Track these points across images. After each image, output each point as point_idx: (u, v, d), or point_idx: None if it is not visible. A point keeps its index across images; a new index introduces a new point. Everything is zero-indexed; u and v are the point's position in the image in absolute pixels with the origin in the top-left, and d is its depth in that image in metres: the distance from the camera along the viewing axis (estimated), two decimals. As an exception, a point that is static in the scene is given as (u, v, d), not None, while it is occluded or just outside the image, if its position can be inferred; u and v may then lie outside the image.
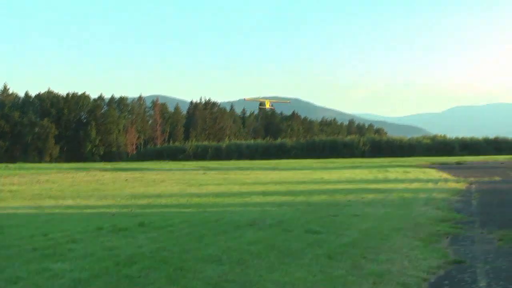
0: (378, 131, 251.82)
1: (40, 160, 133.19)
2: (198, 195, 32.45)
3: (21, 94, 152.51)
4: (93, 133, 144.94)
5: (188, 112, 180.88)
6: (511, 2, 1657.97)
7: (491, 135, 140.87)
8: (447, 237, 16.50)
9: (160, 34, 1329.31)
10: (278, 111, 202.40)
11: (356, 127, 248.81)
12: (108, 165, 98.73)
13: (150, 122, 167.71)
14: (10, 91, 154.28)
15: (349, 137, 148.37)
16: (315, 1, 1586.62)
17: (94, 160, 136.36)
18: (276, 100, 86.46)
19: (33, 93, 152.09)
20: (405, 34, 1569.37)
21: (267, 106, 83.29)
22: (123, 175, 59.34)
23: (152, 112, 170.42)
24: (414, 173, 54.44)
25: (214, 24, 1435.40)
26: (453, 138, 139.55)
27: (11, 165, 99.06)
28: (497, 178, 44.19)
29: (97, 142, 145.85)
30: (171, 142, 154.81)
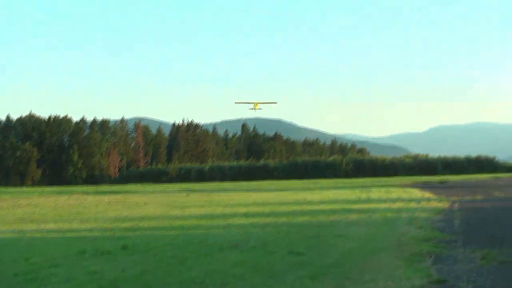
0: (361, 151, 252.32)
1: (22, 184, 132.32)
2: (181, 217, 32.35)
3: (3, 118, 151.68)
4: (75, 156, 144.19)
5: (170, 134, 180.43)
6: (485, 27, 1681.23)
7: (473, 154, 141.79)
8: (430, 256, 16.56)
9: (141, 56, 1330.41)
10: (260, 131, 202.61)
11: (338, 147, 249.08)
12: (91, 188, 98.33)
13: (132, 144, 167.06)
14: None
15: (332, 158, 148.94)
16: (293, 23, 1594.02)
17: (77, 183, 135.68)
18: (263, 101, 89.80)
19: (14, 117, 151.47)
20: (386, 55, 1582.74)
21: (256, 107, 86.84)
22: (106, 198, 59.09)
23: (134, 134, 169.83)
24: (397, 192, 54.61)
25: (194, 46, 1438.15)
26: (436, 157, 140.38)
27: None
28: (479, 197, 44.44)
29: (79, 165, 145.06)
30: (154, 164, 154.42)
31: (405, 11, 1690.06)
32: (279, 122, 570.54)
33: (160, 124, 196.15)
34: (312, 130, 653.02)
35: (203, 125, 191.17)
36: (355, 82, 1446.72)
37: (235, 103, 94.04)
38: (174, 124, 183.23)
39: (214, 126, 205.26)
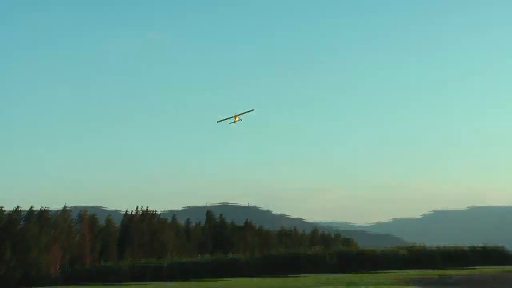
0: (347, 241, 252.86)
1: None
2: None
3: None
4: (8, 253, 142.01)
5: (122, 224, 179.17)
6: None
7: (478, 242, 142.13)
8: None
9: (86, 136, 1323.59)
10: (228, 220, 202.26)
11: (320, 237, 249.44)
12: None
13: (77, 238, 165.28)
14: None
15: (313, 250, 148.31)
16: (266, 103, 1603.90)
17: (9, 287, 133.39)
18: (241, 112, 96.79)
19: None
20: (375, 133, 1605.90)
21: (236, 120, 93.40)
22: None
23: (79, 226, 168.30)
24: (391, 291, 54.38)
25: (149, 127, 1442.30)
26: (434, 247, 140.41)
27: None
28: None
29: (12, 263, 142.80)
30: (102, 261, 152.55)
31: (392, 92, 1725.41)
32: (249, 209, 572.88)
33: (110, 214, 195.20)
34: (288, 217, 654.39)
35: (160, 213, 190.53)
36: (338, 164, 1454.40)
37: (217, 122, 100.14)
38: (126, 213, 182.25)
39: (174, 214, 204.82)
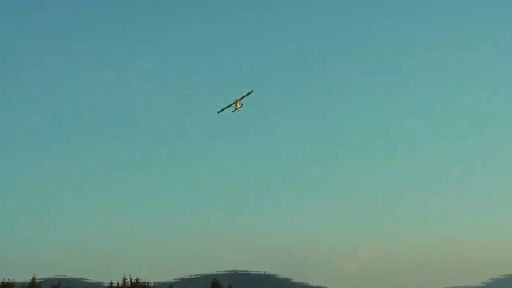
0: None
1: None
2: None
3: None
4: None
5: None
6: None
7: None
8: None
9: (56, 188, 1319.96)
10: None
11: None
12: None
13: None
14: None
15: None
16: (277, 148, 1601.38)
17: None
18: (241, 96, 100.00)
19: None
20: (419, 178, 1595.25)
21: (237, 107, 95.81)
22: None
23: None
24: None
25: (144, 170, 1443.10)
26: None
27: None
28: None
29: None
30: None
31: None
32: (265, 277, 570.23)
33: (90, 286, 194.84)
34: (313, 287, 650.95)
35: (154, 284, 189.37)
36: (373, 220, 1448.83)
37: (218, 112, 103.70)
38: (111, 285, 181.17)
39: (171, 285, 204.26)
